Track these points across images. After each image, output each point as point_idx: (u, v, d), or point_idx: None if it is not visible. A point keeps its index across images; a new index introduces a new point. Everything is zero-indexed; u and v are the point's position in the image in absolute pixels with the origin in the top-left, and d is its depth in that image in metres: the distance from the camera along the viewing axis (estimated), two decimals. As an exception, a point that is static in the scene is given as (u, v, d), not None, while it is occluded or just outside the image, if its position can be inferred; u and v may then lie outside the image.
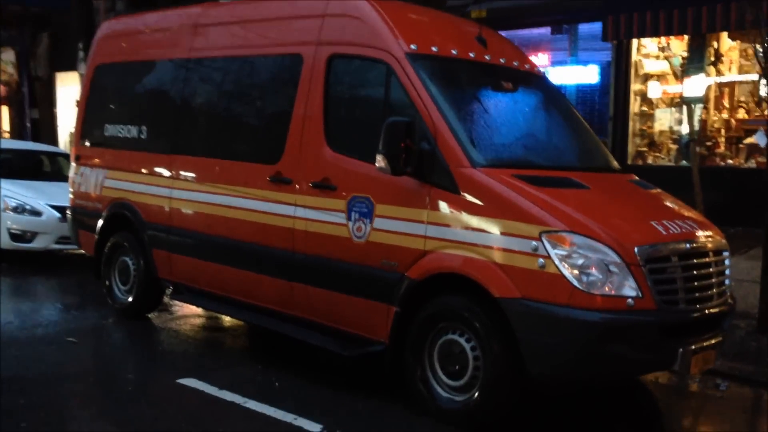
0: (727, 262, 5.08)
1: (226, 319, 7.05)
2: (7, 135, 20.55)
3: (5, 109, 21.39)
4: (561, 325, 4.31)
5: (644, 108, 13.49)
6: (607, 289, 4.32)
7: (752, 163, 12.48)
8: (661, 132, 13.40)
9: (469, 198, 4.68)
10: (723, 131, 12.69)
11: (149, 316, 7.17)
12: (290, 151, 5.67)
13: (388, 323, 5.01)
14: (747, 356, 6.29)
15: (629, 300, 4.33)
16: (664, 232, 4.68)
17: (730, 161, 12.30)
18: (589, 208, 4.65)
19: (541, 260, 4.36)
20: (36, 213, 9.67)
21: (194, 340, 6.57)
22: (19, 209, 9.64)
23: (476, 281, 4.59)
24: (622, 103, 13.13)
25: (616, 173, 5.64)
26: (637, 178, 5.67)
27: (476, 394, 4.63)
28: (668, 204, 5.32)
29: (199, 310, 7.18)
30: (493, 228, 4.56)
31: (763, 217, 7.00)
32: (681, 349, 4.49)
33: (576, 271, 4.31)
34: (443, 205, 4.79)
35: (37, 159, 11.93)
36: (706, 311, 4.70)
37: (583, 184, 4.96)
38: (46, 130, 20.07)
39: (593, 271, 4.33)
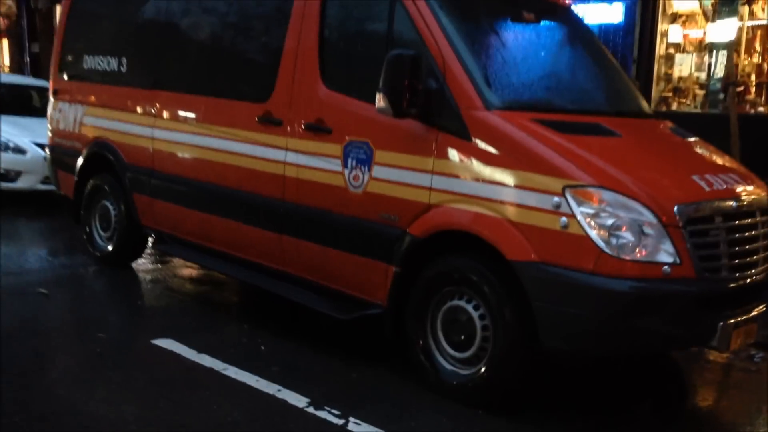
0: (773, 220, 4.46)
1: (216, 273, 6.51)
2: (6, 69, 19.87)
3: (5, 43, 20.65)
4: (585, 294, 3.72)
5: (671, 51, 12.67)
6: (639, 254, 3.72)
7: (785, 111, 11.72)
8: (688, 77, 12.61)
9: (482, 145, 4.05)
10: (754, 77, 11.90)
11: (133, 265, 6.65)
12: (281, 88, 5.03)
13: (386, 284, 4.44)
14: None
15: (665, 267, 3.73)
16: (707, 188, 4.05)
17: (761, 109, 11.54)
18: (620, 160, 4.01)
19: (564, 219, 3.75)
20: (20, 151, 9.12)
21: (178, 294, 6.02)
22: (2, 147, 9.07)
23: (487, 241, 3.99)
24: (648, 44, 12.29)
25: (650, 119, 4.97)
26: (672, 124, 5.01)
27: (483, 369, 4.08)
28: (709, 155, 4.67)
29: (188, 262, 6.63)
30: (509, 180, 3.94)
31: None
32: (721, 323, 3.89)
33: (604, 233, 3.70)
34: (452, 153, 4.16)
35: (26, 94, 11.31)
36: (751, 279, 4.10)
37: (614, 131, 4.31)
38: (47, 64, 19.35)
39: (625, 232, 3.72)
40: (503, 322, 3.97)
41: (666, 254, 3.75)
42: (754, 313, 4.18)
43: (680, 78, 12.69)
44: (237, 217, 5.34)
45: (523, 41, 4.81)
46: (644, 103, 5.18)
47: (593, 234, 3.71)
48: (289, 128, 4.95)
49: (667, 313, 3.78)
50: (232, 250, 5.47)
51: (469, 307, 4.13)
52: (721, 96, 12.19)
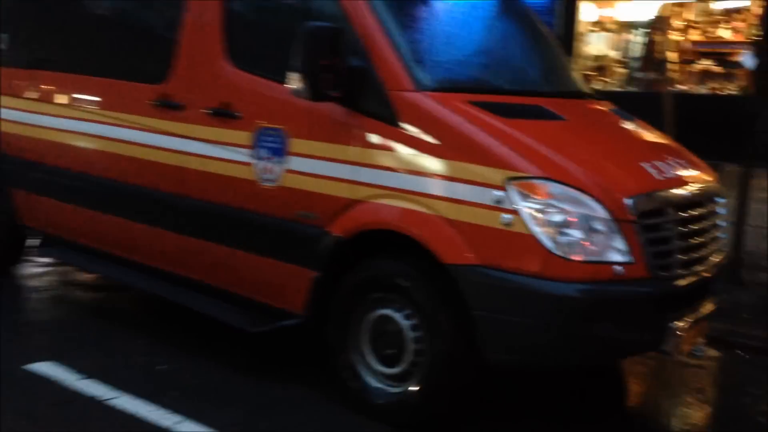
0: (722, 211, 4.14)
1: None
2: None
3: None
4: (531, 300, 3.29)
5: (592, 28, 12.49)
6: (590, 253, 3.30)
7: (705, 89, 11.70)
8: (608, 55, 12.46)
9: (412, 131, 3.55)
10: (674, 55, 11.83)
11: (12, 271, 5.86)
12: (180, 67, 4.40)
13: (305, 292, 3.90)
14: (720, 313, 5.47)
15: (618, 267, 3.32)
16: (657, 176, 3.67)
17: (681, 86, 11.47)
18: (567, 147, 3.58)
19: (507, 216, 3.30)
20: None
21: (66, 305, 5.30)
22: None
23: (419, 241, 3.51)
24: (569, 22, 12.09)
25: (591, 100, 4.57)
26: (613, 105, 4.63)
27: (415, 386, 3.61)
28: (654, 138, 4.31)
29: (76, 267, 5.89)
30: (443, 172, 3.46)
31: (738, 148, 6.13)
32: (672, 326, 3.54)
33: (552, 230, 3.27)
34: (378, 141, 3.65)
35: None
36: (702, 275, 3.76)
37: (557, 114, 3.88)
38: None
39: (574, 230, 3.29)
40: (438, 333, 3.50)
41: (618, 253, 3.34)
42: (706, 312, 3.86)
43: (599, 57, 12.54)
44: (132, 215, 4.69)
45: (456, 16, 4.30)
46: (584, 82, 4.78)
47: (539, 232, 3.27)
48: (190, 113, 4.32)
49: (621, 318, 3.38)
50: (127, 253, 4.82)
51: (399, 317, 3.64)
52: (641, 74, 12.07)
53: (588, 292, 3.27)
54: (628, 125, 4.33)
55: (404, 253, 3.63)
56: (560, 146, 3.53)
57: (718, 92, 11.83)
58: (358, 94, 3.69)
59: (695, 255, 3.69)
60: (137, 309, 5.46)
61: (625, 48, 12.43)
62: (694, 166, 4.10)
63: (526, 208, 3.29)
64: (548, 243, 3.26)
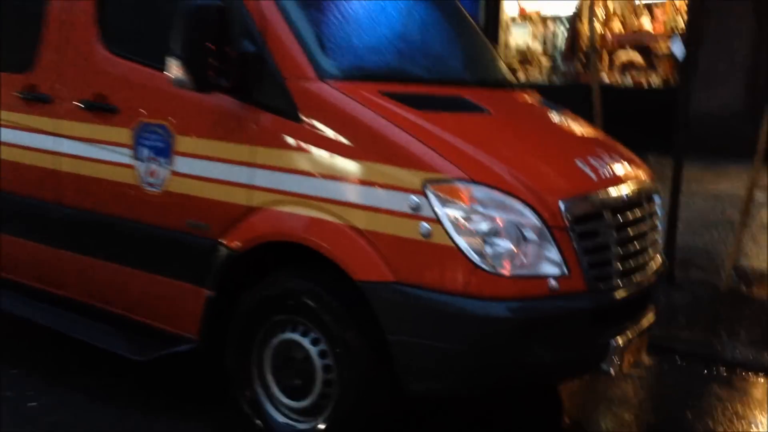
0: (660, 211, 3.80)
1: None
2: None
3: None
4: (455, 322, 2.85)
5: (516, 19, 12.24)
6: (521, 266, 2.89)
7: (628, 80, 11.60)
8: (532, 47, 12.24)
9: (315, 126, 3.07)
10: (598, 46, 11.69)
11: None
12: (47, 52, 3.80)
13: (198, 313, 3.38)
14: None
15: (552, 281, 2.92)
16: (593, 176, 3.29)
17: (605, 79, 11.33)
18: (493, 144, 3.16)
19: (426, 225, 2.85)
20: None
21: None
22: None
23: (326, 255, 3.04)
24: (493, 12, 11.80)
25: (516, 90, 4.17)
26: (540, 96, 4.24)
27: (325, 422, 3.14)
28: (586, 133, 3.93)
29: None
30: (353, 174, 2.99)
31: (664, 141, 5.87)
32: (613, 343, 3.17)
33: (477, 241, 2.84)
34: (276, 138, 3.15)
35: None
36: (643, 284, 3.40)
37: (481, 106, 3.45)
38: None
39: (502, 240, 2.87)
40: (349, 360, 3.03)
41: (551, 264, 2.94)
42: (647, 324, 3.51)
43: (524, 49, 12.30)
44: (4, 227, 4.07)
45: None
46: (508, 71, 4.37)
47: (463, 243, 2.83)
48: (60, 107, 3.73)
49: (557, 338, 2.98)
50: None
51: (306, 342, 3.16)
52: (566, 66, 11.90)
53: (519, 311, 2.85)
54: (558, 118, 3.95)
55: (310, 268, 3.16)
56: (484, 143, 3.10)
57: (641, 84, 11.78)
58: (252, 84, 3.18)
59: (635, 262, 3.33)
60: (9, 332, 4.76)
61: (549, 39, 12.25)
62: (630, 163, 3.74)
63: (448, 216, 2.84)
64: (473, 255, 2.83)
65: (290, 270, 3.22)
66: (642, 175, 3.69)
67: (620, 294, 3.20)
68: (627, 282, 3.25)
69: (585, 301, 3.03)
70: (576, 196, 3.07)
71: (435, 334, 2.87)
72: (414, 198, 2.87)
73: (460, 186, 2.87)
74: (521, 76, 11.92)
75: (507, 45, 12.24)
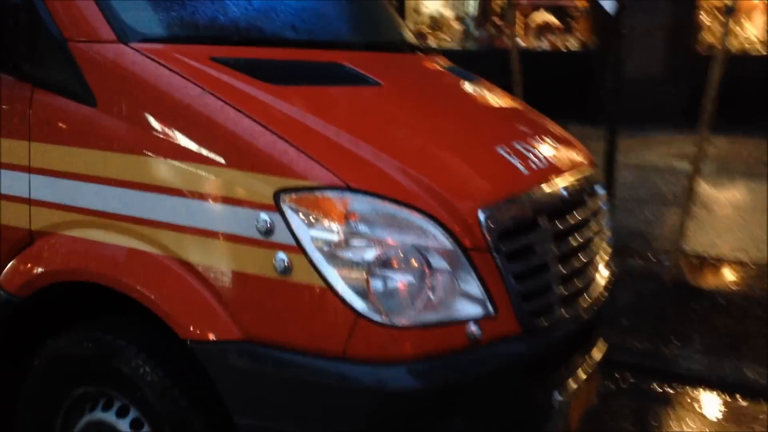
0: (604, 206, 2.94)
1: None
2: None
3: None
4: (332, 398, 1.90)
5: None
6: (426, 309, 1.97)
7: (545, 44, 10.86)
8: (444, 13, 11.36)
9: (117, 112, 2.05)
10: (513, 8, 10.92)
11: None
12: None
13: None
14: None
15: (472, 326, 2.01)
16: (522, 169, 2.38)
17: (520, 42, 10.55)
18: (382, 131, 2.20)
19: (282, 256, 1.89)
20: None
21: None
22: None
23: (142, 302, 2.05)
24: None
25: (416, 54, 3.22)
26: (447, 61, 3.32)
27: None
28: (508, 107, 3.04)
29: None
30: (174, 182, 2.00)
31: (585, 108, 5.08)
32: (557, 397, 2.31)
33: (360, 277, 1.89)
34: (60, 131, 2.13)
35: None
36: (592, 306, 2.55)
37: (367, 76, 2.48)
38: None
39: (398, 273, 1.93)
40: (186, 455, 2.07)
41: (470, 302, 2.03)
42: (597, 357, 2.66)
43: (434, 15, 11.43)
44: None
45: None
46: (407, 32, 3.41)
47: (338, 281, 1.88)
48: None
49: (481, 406, 2.09)
50: None
51: (123, 425, 2.18)
52: (479, 31, 11.10)
53: (426, 376, 1.93)
54: (472, 89, 3.03)
55: (127, 317, 2.17)
56: (369, 129, 2.15)
57: (558, 48, 11.08)
58: (23, 54, 2.14)
59: (581, 281, 2.46)
60: None
61: (460, 4, 11.41)
62: (565, 145, 2.86)
63: (314, 241, 1.89)
64: (354, 299, 1.88)
65: (96, 321, 2.22)
66: (581, 160, 2.82)
67: (565, 328, 2.33)
68: (572, 309, 2.38)
69: (519, 348, 2.14)
70: (501, 200, 2.17)
71: (303, 417, 1.93)
72: (264, 216, 1.91)
73: (332, 196, 1.91)
74: (432, 43, 11.03)
75: (417, 11, 11.33)
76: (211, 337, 1.97)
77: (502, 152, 2.39)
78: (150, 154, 2.02)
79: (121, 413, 2.17)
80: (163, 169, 2.00)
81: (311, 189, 1.91)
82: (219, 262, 1.96)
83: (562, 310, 2.32)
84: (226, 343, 1.96)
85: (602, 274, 2.71)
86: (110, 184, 2.05)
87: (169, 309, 2.00)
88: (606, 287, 2.71)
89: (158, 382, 2.07)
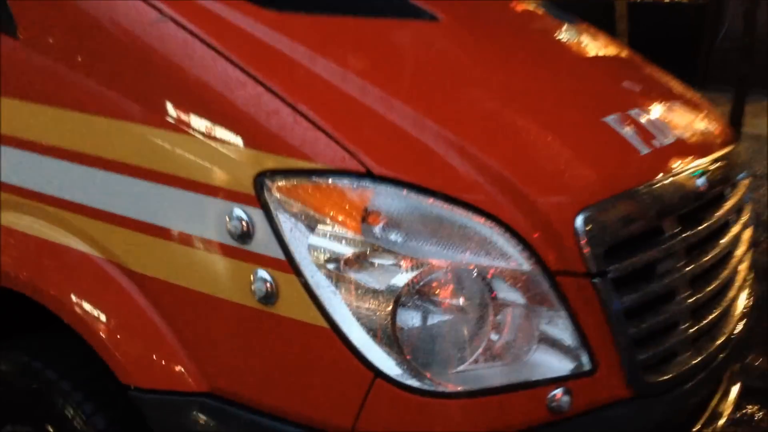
0: (747, 199, 2.13)
1: None
2: None
3: None
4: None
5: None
6: (486, 365, 1.27)
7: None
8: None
9: (47, 48, 1.40)
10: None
11: None
12: None
13: None
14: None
15: (556, 392, 1.31)
16: (643, 149, 1.61)
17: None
18: (431, 88, 1.46)
19: (265, 275, 1.22)
20: None
21: None
22: None
23: (69, 323, 1.42)
24: None
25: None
26: None
27: None
28: (621, 63, 2.24)
29: None
30: (107, 149, 1.33)
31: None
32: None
33: (385, 314, 1.19)
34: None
35: None
36: (726, 340, 1.77)
37: (419, 6, 1.73)
38: None
39: (445, 311, 1.23)
40: None
41: (557, 354, 1.31)
42: (728, 406, 1.90)
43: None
44: None
45: None
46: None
47: (349, 321, 1.20)
48: None
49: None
50: None
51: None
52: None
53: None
54: (569, 35, 2.24)
55: (64, 338, 1.55)
56: (412, 85, 1.43)
57: None
58: None
59: (718, 308, 1.70)
60: None
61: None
62: (698, 113, 2.06)
63: (314, 254, 1.21)
64: (372, 348, 1.20)
65: (29, 339, 1.60)
66: (720, 135, 2.02)
67: (693, 382, 1.59)
68: (704, 352, 1.63)
69: (627, 420, 1.42)
70: (610, 196, 1.43)
71: None
72: (239, 212, 1.24)
73: (344, 186, 1.22)
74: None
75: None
76: (163, 385, 1.33)
77: (612, 124, 1.63)
78: (79, 108, 1.37)
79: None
80: (95, 133, 1.35)
81: (311, 174, 1.22)
82: (174, 275, 1.31)
83: (691, 356, 1.58)
84: (182, 395, 1.31)
85: (743, 295, 1.93)
86: (26, 148, 1.41)
87: (105, 337, 1.36)
88: (745, 312, 1.94)
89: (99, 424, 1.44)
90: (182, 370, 1.32)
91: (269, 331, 1.24)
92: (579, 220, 1.32)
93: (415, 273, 1.21)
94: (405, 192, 1.22)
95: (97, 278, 1.37)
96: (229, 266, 1.25)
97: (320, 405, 1.23)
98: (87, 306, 1.37)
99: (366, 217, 1.21)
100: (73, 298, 1.38)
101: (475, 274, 1.25)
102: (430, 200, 1.23)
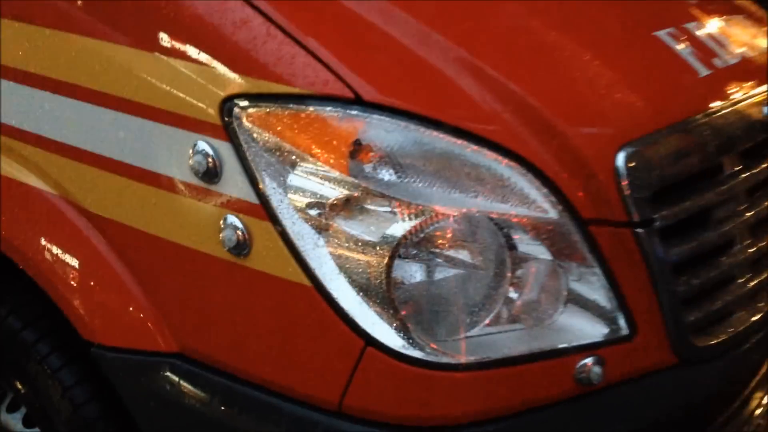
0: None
1: None
2: None
3: None
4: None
5: None
6: (504, 329, 1.07)
7: None
8: None
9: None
10: None
11: None
12: None
13: None
14: None
15: (588, 362, 1.08)
16: (702, 70, 1.35)
17: None
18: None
19: (235, 221, 1.02)
20: None
21: None
22: None
23: (27, 271, 1.24)
24: None
25: None
26: None
27: None
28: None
29: None
30: (50, 68, 1.13)
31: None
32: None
33: (379, 270, 0.98)
34: None
35: None
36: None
37: None
38: None
39: (452, 266, 1.01)
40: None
41: (590, 317, 1.10)
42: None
43: None
44: None
45: None
46: None
47: (336, 277, 1.00)
48: None
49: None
50: None
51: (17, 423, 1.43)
52: None
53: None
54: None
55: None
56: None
57: None
58: None
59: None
60: None
61: None
62: (762, 25, 1.76)
63: (293, 197, 1.01)
64: (362, 310, 1.00)
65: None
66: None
67: (752, 344, 1.36)
68: (764, 305, 1.40)
69: (674, 392, 1.21)
70: (661, 129, 1.18)
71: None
72: (203, 145, 1.03)
73: (328, 115, 0.99)
74: None
75: None
76: (128, 343, 1.15)
77: (665, 40, 1.36)
78: (16, 17, 1.16)
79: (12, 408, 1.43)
80: (37, 47, 1.14)
81: (288, 99, 1.00)
82: (136, 219, 1.11)
83: (748, 313, 1.35)
84: (149, 355, 1.14)
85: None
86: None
87: (62, 286, 1.18)
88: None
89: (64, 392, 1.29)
90: (150, 326, 1.14)
91: (241, 287, 1.04)
92: (620, 158, 1.09)
93: (414, 222, 1.00)
94: (402, 122, 1.00)
95: (51, 218, 1.19)
96: (194, 210, 1.05)
97: (302, 375, 1.04)
98: (41, 249, 1.19)
99: (354, 153, 0.99)
100: (26, 238, 1.20)
101: (490, 223, 1.03)
102: (434, 132, 1.00)
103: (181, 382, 1.12)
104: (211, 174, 1.03)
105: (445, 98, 1.03)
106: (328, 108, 0.99)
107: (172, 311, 1.12)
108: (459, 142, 1.01)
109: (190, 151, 1.03)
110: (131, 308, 1.14)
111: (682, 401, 1.23)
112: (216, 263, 1.05)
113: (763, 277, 1.39)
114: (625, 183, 1.08)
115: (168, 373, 1.13)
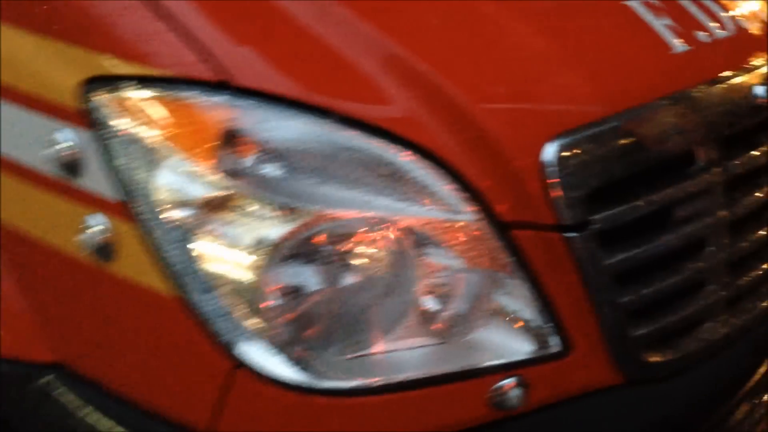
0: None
1: None
2: None
3: None
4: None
5: None
6: (401, 346, 0.93)
7: None
8: None
9: None
10: None
11: None
12: None
13: None
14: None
15: (505, 386, 0.93)
16: (676, 45, 1.16)
17: None
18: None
19: (99, 220, 0.90)
20: None
21: None
22: None
23: None
24: None
25: None
26: None
27: None
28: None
29: None
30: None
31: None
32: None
33: (255, 278, 0.86)
34: None
35: None
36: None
37: None
38: None
39: (342, 274, 0.88)
40: None
41: (512, 335, 0.95)
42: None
43: None
44: None
45: None
46: None
47: (205, 287, 0.87)
48: None
49: None
50: None
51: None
52: None
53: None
54: None
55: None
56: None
57: None
58: None
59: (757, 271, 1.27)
60: None
61: None
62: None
63: (159, 196, 0.88)
64: (231, 325, 0.87)
65: None
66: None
67: (728, 356, 1.20)
68: (744, 313, 1.23)
69: (618, 414, 1.06)
70: (605, 118, 1.01)
71: None
72: (60, 134, 0.90)
73: (198, 102, 0.86)
74: None
75: None
76: (2, 351, 1.05)
77: (637, 9, 1.18)
78: None
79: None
80: None
81: (148, 82, 0.87)
82: (9, 214, 1.00)
83: (724, 322, 1.18)
84: (25, 366, 1.03)
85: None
86: None
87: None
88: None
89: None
90: (27, 333, 1.03)
91: (106, 295, 0.92)
92: (548, 151, 0.93)
93: (295, 224, 0.86)
94: (283, 110, 0.86)
95: None
96: (59, 207, 0.94)
97: (172, 398, 0.92)
98: None
99: (225, 145, 0.86)
100: None
101: (387, 226, 0.89)
102: (321, 122, 0.86)
103: (58, 397, 1.01)
104: (72, 167, 0.90)
105: (332, 81, 0.88)
106: (196, 93, 0.86)
107: (51, 317, 1.01)
108: (349, 132, 0.87)
109: (46, 139, 0.91)
110: (4, 311, 1.04)
111: (629, 425, 1.08)
112: (81, 267, 0.93)
113: (743, 281, 1.22)
114: (552, 181, 0.93)
115: (45, 388, 1.02)
